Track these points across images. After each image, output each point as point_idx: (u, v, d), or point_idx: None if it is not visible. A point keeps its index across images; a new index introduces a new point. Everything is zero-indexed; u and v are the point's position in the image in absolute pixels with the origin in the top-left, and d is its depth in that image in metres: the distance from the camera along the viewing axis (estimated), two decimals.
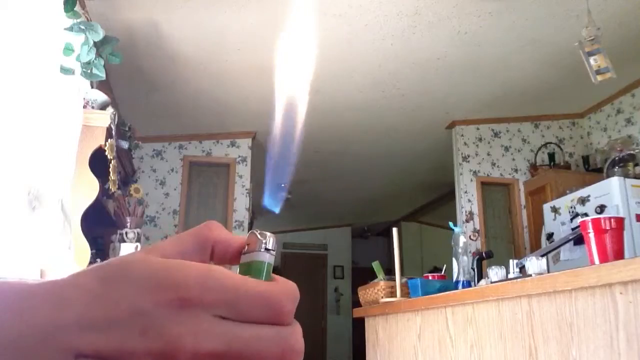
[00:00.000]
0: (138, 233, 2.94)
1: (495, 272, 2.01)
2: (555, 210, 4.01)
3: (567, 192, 3.94)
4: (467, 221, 4.76)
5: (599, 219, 1.49)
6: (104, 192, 2.80)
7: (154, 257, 0.25)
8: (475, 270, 2.36)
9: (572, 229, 3.57)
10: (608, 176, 3.85)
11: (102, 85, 3.00)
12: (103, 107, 2.60)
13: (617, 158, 4.16)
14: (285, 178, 0.34)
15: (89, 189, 2.37)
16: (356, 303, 3.19)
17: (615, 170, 4.06)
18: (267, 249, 0.28)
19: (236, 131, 5.03)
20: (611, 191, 3.46)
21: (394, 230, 2.67)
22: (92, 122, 2.48)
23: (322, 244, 9.37)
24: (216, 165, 5.05)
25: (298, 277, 9.72)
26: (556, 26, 3.43)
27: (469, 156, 4.98)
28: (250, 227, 5.22)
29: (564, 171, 4.74)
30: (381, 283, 2.64)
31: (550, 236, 3.98)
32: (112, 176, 2.67)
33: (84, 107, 2.49)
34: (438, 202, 7.72)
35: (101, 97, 2.59)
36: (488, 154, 5.04)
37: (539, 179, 4.74)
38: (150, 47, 3.43)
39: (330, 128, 5.04)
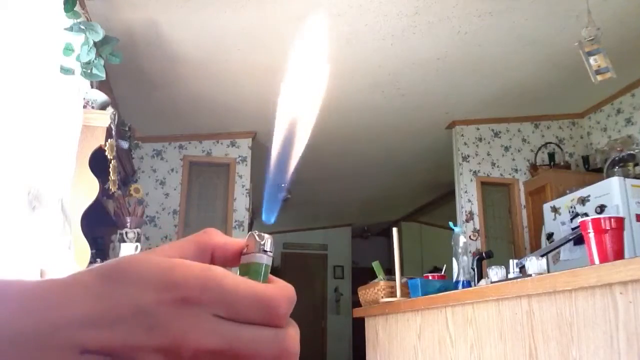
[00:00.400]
0: (138, 233, 2.94)
1: (495, 272, 2.01)
2: (555, 210, 4.01)
3: (567, 192, 3.95)
4: (467, 221, 4.76)
5: (599, 219, 1.49)
6: (104, 192, 2.80)
7: (157, 257, 0.26)
8: (475, 270, 2.36)
9: (572, 229, 3.57)
10: (608, 176, 3.85)
11: (102, 85, 3.00)
12: (103, 107, 2.60)
13: (617, 158, 4.16)
14: (285, 178, 0.35)
15: (89, 189, 2.37)
16: (356, 303, 3.19)
17: (615, 170, 4.06)
18: (264, 251, 0.29)
19: (236, 131, 5.03)
20: (611, 191, 3.46)
21: (394, 230, 2.67)
22: (92, 122, 2.48)
23: (322, 244, 9.37)
24: (216, 165, 5.05)
25: (298, 277, 9.71)
26: (556, 26, 3.43)
27: (469, 156, 4.98)
28: (250, 227, 5.22)
29: (564, 171, 4.74)
30: (381, 283, 2.64)
31: (550, 236, 3.98)
32: (112, 176, 2.67)
33: (84, 107, 2.49)
34: (438, 202, 7.72)
35: (101, 97, 2.60)
36: (488, 154, 5.04)
37: (539, 179, 4.74)
38: (150, 47, 3.43)
39: (331, 128, 5.04)
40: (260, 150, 5.14)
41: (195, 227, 4.84)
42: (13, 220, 1.74)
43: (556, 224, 3.96)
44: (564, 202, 3.90)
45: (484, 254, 2.50)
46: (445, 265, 2.73)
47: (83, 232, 2.34)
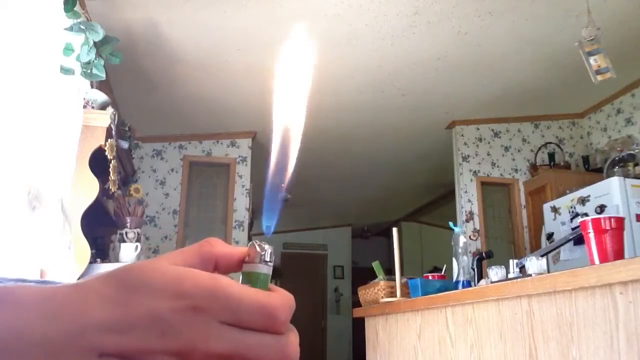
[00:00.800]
0: (138, 233, 2.94)
1: (495, 272, 2.01)
2: (555, 210, 4.01)
3: (567, 192, 3.95)
4: (467, 221, 4.76)
5: (599, 219, 1.49)
6: (104, 192, 2.80)
7: (168, 266, 0.28)
8: (475, 270, 2.36)
9: (572, 229, 3.57)
10: (608, 176, 3.85)
11: (102, 85, 3.00)
12: (103, 107, 2.60)
13: (617, 158, 4.16)
14: (284, 178, 0.35)
15: (89, 189, 2.37)
16: (356, 303, 3.19)
17: (615, 170, 4.06)
18: (265, 262, 0.31)
19: (236, 131, 5.03)
20: (611, 191, 3.46)
21: (394, 230, 2.67)
22: (92, 122, 2.48)
23: (322, 244, 9.37)
24: (216, 165, 5.05)
25: (298, 277, 9.70)
26: (556, 26, 3.43)
27: (469, 156, 4.98)
28: (251, 227, 5.22)
29: (564, 171, 4.74)
30: (381, 283, 2.64)
31: (550, 236, 3.99)
32: (112, 176, 2.67)
33: (84, 107, 2.49)
34: (438, 202, 7.72)
35: (101, 97, 2.59)
36: (488, 154, 5.04)
37: (539, 179, 4.74)
38: (150, 47, 3.43)
39: (330, 128, 5.04)
40: (260, 150, 5.14)
41: (195, 227, 4.84)
42: (13, 220, 1.74)
43: (556, 224, 3.96)
44: (564, 202, 3.90)
45: (484, 254, 2.49)
46: (445, 265, 2.73)
47: (83, 232, 2.34)
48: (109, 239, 3.07)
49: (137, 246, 2.83)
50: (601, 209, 3.46)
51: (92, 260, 2.48)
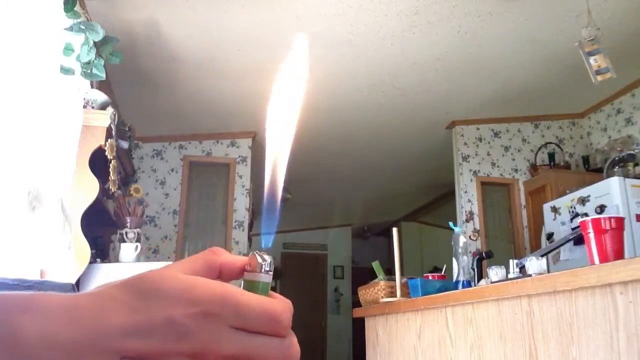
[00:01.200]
0: (138, 233, 2.94)
1: (495, 272, 2.01)
2: (555, 210, 4.01)
3: (567, 192, 3.95)
4: (467, 221, 4.76)
5: (598, 219, 1.49)
6: (104, 192, 2.80)
7: (181, 275, 0.30)
8: (475, 270, 2.36)
9: (572, 229, 3.57)
10: (608, 176, 3.85)
11: (102, 85, 2.99)
12: (103, 107, 2.60)
13: (617, 158, 4.16)
14: (284, 179, 0.36)
15: (89, 189, 2.37)
16: (356, 303, 3.19)
17: (615, 170, 4.06)
18: (266, 271, 0.33)
19: (236, 131, 5.03)
20: (611, 191, 3.46)
21: (394, 230, 2.67)
22: (92, 122, 2.48)
23: (322, 244, 9.36)
24: (216, 165, 5.05)
25: (298, 277, 9.70)
26: (556, 26, 3.43)
27: (469, 156, 4.98)
28: (251, 227, 5.22)
29: (564, 171, 4.74)
30: (381, 283, 2.64)
31: (550, 236, 3.99)
32: (112, 176, 2.67)
33: (84, 107, 2.49)
34: (438, 202, 7.72)
35: (101, 97, 2.59)
36: (488, 154, 5.04)
37: (539, 179, 4.74)
38: (150, 47, 3.43)
39: (331, 128, 5.04)
40: (260, 150, 5.14)
41: (195, 227, 4.84)
42: (13, 220, 1.74)
43: (556, 224, 3.96)
44: (564, 202, 3.90)
45: (484, 254, 2.50)
46: (445, 265, 2.73)
47: (83, 232, 2.34)
48: (109, 239, 3.07)
49: (137, 246, 2.82)
50: (601, 209, 3.46)
51: (92, 260, 2.48)
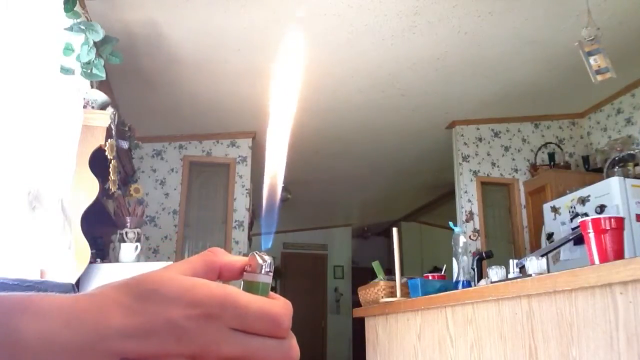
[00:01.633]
0: (138, 233, 2.94)
1: (495, 272, 2.02)
2: (555, 210, 4.01)
3: (567, 192, 3.95)
4: (467, 221, 4.76)
5: (599, 219, 1.49)
6: (104, 192, 2.80)
7: (180, 276, 0.30)
8: (475, 270, 2.36)
9: (572, 229, 3.57)
10: (608, 176, 3.85)
11: (102, 85, 2.99)
12: (103, 107, 2.60)
13: (617, 158, 4.16)
14: (283, 179, 0.36)
15: (89, 189, 2.37)
16: (356, 303, 3.19)
17: (615, 170, 4.06)
18: (266, 272, 0.33)
19: (236, 131, 5.03)
20: (611, 191, 3.46)
21: (394, 230, 2.67)
22: (92, 122, 2.48)
23: (322, 244, 9.36)
24: (216, 165, 5.05)
25: (298, 277, 9.70)
26: (556, 26, 3.43)
27: (469, 156, 4.98)
28: (251, 227, 5.22)
29: (564, 171, 4.74)
30: (381, 283, 2.64)
31: (550, 236, 3.99)
32: (112, 176, 2.67)
33: (84, 107, 2.49)
34: (438, 202, 7.72)
35: (101, 97, 2.59)
36: (488, 154, 5.04)
37: (539, 179, 4.74)
38: (150, 47, 3.43)
39: (331, 128, 5.04)
40: (260, 150, 5.13)
41: (195, 227, 4.84)
42: (13, 220, 1.74)
43: (556, 224, 3.96)
44: (564, 202, 3.90)
45: (484, 254, 2.49)
46: (445, 265, 2.73)
47: (83, 232, 2.34)
48: (109, 239, 3.07)
49: (137, 246, 2.82)
50: (601, 209, 3.46)
51: (92, 260, 2.48)
